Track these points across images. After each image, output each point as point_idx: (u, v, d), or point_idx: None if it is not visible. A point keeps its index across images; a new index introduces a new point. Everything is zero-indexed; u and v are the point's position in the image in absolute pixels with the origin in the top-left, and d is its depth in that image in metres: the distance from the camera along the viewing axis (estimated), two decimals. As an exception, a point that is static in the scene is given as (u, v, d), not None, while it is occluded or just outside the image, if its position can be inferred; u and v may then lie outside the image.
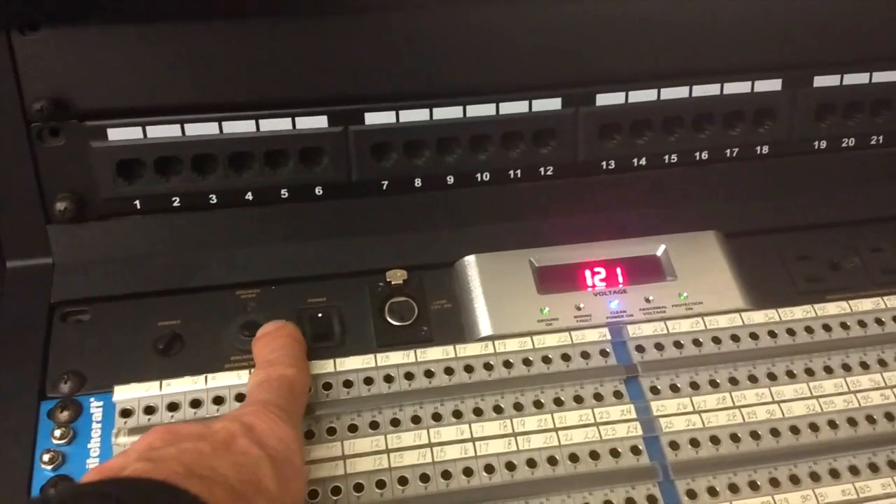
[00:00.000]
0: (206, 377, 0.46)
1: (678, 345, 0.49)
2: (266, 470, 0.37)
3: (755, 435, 0.46)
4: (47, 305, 0.49)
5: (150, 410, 0.45)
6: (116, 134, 0.49)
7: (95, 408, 0.45)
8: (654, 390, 0.47)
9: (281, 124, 0.51)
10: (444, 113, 0.52)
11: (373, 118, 0.52)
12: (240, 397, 0.45)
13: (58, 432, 0.44)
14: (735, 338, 0.50)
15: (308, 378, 0.45)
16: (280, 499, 0.37)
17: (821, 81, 0.56)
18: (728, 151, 0.57)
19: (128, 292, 0.49)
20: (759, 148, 0.57)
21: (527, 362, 0.48)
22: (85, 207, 0.50)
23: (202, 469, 0.35)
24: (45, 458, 0.43)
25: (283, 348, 0.45)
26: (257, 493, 0.36)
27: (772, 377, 0.48)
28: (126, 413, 0.44)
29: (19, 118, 0.48)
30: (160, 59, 0.48)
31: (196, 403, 0.45)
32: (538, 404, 0.46)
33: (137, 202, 0.51)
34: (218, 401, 0.45)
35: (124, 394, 0.45)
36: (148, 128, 0.49)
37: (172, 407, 0.45)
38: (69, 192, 0.50)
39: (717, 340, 0.49)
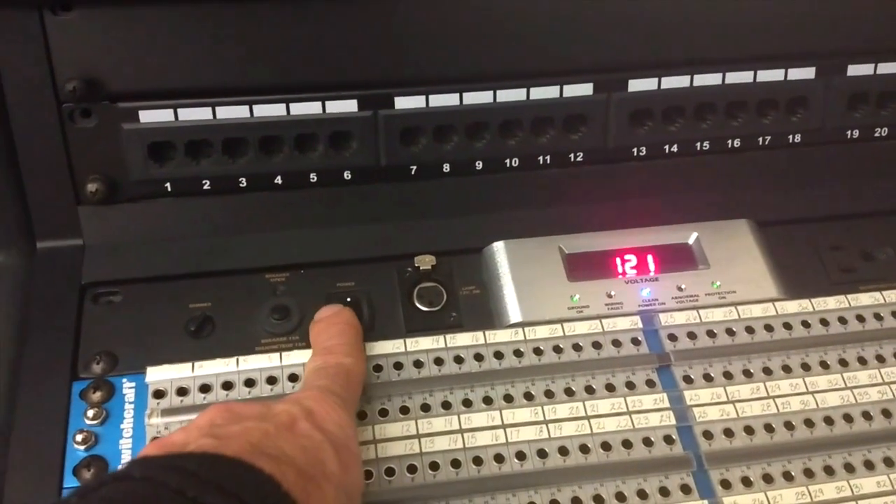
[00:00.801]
0: (237, 360, 0.46)
1: (711, 334, 0.49)
2: (329, 454, 0.37)
3: (789, 425, 0.46)
4: (78, 286, 0.48)
5: (182, 392, 0.45)
6: (148, 116, 0.49)
7: (128, 388, 0.45)
8: (687, 379, 0.47)
9: (311, 108, 0.50)
10: (474, 98, 0.52)
11: (402, 102, 0.51)
12: (271, 380, 0.45)
13: (90, 413, 0.44)
14: (768, 328, 0.49)
15: (364, 366, 0.45)
16: (343, 484, 0.37)
17: (855, 70, 0.56)
18: (760, 139, 0.56)
19: (158, 274, 0.49)
20: (791, 136, 0.56)
21: (557, 349, 0.48)
22: (116, 189, 0.50)
23: (270, 448, 0.34)
24: (78, 438, 0.43)
25: (341, 335, 0.45)
26: (324, 476, 0.35)
27: (805, 367, 0.48)
28: (159, 394, 0.45)
29: (51, 99, 0.48)
30: (192, 41, 0.48)
31: (228, 385, 0.45)
32: (569, 392, 0.46)
33: (168, 185, 0.51)
34: (249, 383, 0.45)
35: (157, 375, 0.45)
36: (179, 110, 0.49)
37: (204, 389, 0.45)
38: (100, 173, 0.50)
39: (750, 330, 0.49)
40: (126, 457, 0.43)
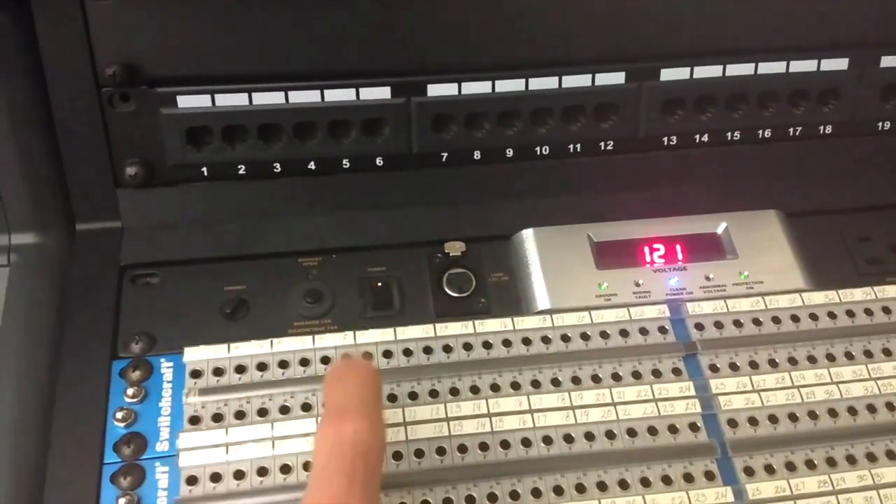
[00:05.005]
0: (271, 342, 0.47)
1: (738, 324, 0.49)
2: None
3: (813, 415, 0.46)
4: (117, 268, 0.50)
5: (218, 372, 0.46)
6: (186, 101, 0.49)
7: (166, 368, 0.46)
8: (713, 368, 0.47)
9: (345, 95, 0.51)
10: (506, 85, 0.52)
11: (435, 90, 0.51)
12: (304, 362, 0.46)
13: (130, 391, 0.45)
14: (795, 318, 0.49)
15: (382, 432, 0.38)
16: None
17: (888, 62, 0.55)
18: (791, 130, 0.56)
19: (195, 257, 0.50)
20: (822, 127, 0.56)
21: (584, 337, 0.48)
22: (153, 173, 0.51)
23: None
24: (118, 415, 0.44)
25: (354, 392, 0.38)
26: None
27: (830, 358, 0.48)
28: (196, 374, 0.46)
29: (91, 83, 0.48)
30: (230, 27, 0.48)
31: (262, 367, 0.46)
32: (596, 378, 0.47)
33: (204, 169, 0.51)
34: (283, 364, 0.46)
35: (194, 355, 0.46)
36: (216, 96, 0.49)
37: (240, 369, 0.46)
38: (138, 157, 0.51)
39: (776, 320, 0.49)
40: (164, 434, 0.44)
